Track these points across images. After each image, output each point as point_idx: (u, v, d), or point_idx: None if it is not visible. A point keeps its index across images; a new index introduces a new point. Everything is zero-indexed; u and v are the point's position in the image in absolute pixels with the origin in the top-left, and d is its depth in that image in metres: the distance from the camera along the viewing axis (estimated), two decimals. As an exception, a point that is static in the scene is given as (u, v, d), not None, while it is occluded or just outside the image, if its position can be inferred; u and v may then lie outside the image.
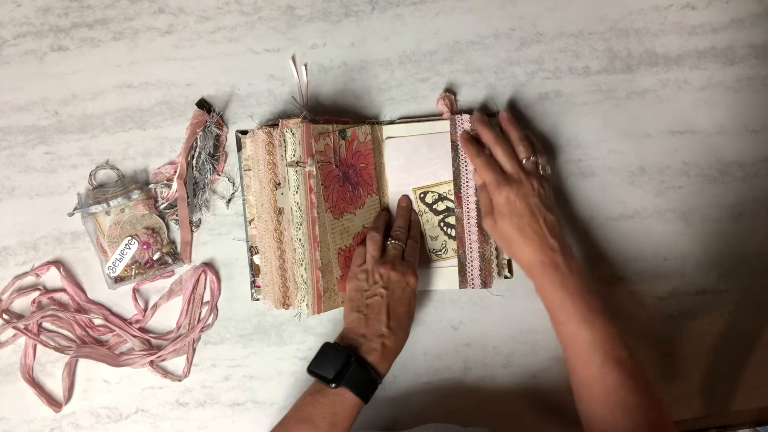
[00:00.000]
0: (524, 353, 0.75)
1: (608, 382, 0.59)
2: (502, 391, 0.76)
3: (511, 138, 0.69)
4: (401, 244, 0.70)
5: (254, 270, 0.74)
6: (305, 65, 0.75)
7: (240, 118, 0.75)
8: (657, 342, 0.76)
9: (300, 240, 0.67)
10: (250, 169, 0.72)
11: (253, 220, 0.73)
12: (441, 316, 0.76)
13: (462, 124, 0.72)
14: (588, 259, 0.76)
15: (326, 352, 0.64)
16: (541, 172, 0.69)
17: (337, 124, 0.71)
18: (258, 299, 0.75)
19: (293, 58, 0.75)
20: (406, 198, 0.74)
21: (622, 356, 0.60)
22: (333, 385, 0.61)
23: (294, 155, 0.66)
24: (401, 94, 0.75)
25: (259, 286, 0.74)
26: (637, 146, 0.75)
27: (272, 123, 0.73)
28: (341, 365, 0.62)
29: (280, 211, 0.69)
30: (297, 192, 0.67)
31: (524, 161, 0.67)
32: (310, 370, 0.63)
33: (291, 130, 0.66)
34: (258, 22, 0.75)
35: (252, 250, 0.74)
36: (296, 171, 0.66)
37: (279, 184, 0.69)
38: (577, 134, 0.75)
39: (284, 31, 0.75)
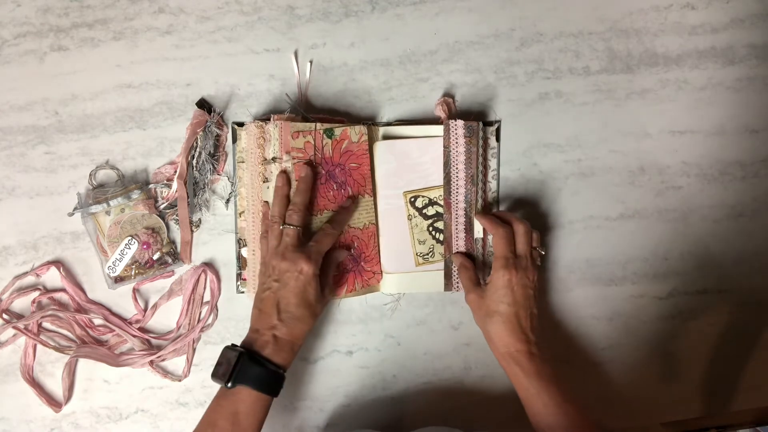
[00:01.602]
0: (524, 353, 0.75)
1: None
2: (502, 391, 0.76)
3: (524, 227, 0.70)
4: (294, 227, 0.66)
5: (241, 262, 0.74)
6: (310, 62, 0.75)
7: (240, 119, 0.75)
8: (657, 342, 0.76)
9: None
10: (243, 162, 0.73)
11: (243, 212, 0.74)
12: (441, 316, 0.76)
13: (456, 129, 0.71)
14: (588, 260, 0.76)
15: (223, 354, 0.64)
16: (539, 263, 0.70)
17: (322, 123, 0.71)
18: (243, 292, 0.75)
19: (295, 53, 0.75)
20: (305, 167, 0.69)
21: None
22: (228, 385, 0.61)
23: (273, 151, 0.68)
24: (401, 94, 0.75)
25: (245, 279, 0.74)
26: (637, 146, 0.75)
27: (266, 117, 0.73)
28: (233, 365, 0.62)
29: (267, 205, 0.70)
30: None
31: (534, 249, 0.69)
32: (211, 375, 0.63)
33: (275, 126, 0.68)
34: (258, 22, 0.75)
35: (240, 243, 0.74)
36: (276, 167, 0.68)
37: (267, 178, 0.70)
38: (577, 134, 0.75)
39: (284, 31, 0.75)
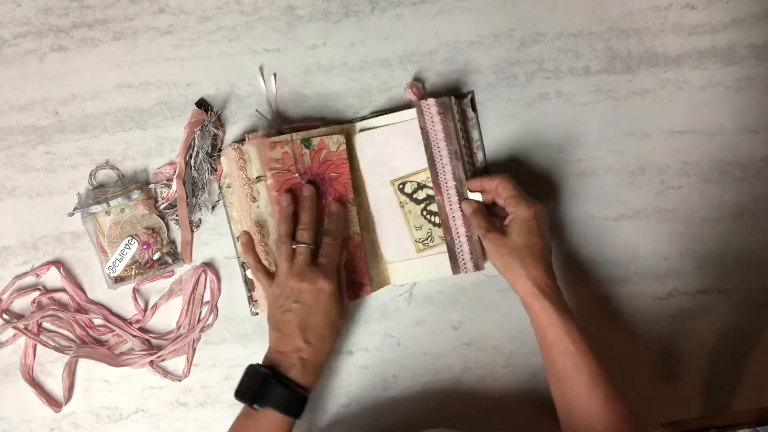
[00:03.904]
0: (524, 353, 0.75)
1: (611, 417, 0.61)
2: (502, 391, 0.76)
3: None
4: (307, 245, 0.66)
5: (249, 285, 0.74)
6: (274, 75, 0.75)
7: (240, 118, 0.75)
8: (657, 342, 0.76)
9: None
10: (230, 186, 0.73)
11: (239, 236, 0.73)
12: (441, 316, 0.76)
13: (429, 108, 0.70)
14: (588, 260, 0.76)
15: (248, 373, 0.64)
16: None
17: (298, 133, 0.70)
18: (257, 313, 0.74)
19: (261, 69, 0.74)
20: (308, 186, 0.69)
21: (618, 394, 0.62)
22: (256, 406, 0.62)
23: (256, 170, 0.67)
24: (401, 94, 0.75)
25: (256, 301, 0.74)
26: (637, 146, 0.75)
27: (243, 139, 0.73)
28: (260, 386, 0.62)
29: (261, 225, 0.69)
30: (268, 204, 0.68)
31: None
32: (235, 394, 0.63)
33: (252, 145, 0.67)
34: (258, 22, 0.75)
35: (244, 266, 0.74)
36: (262, 185, 0.67)
37: (255, 198, 0.69)
38: (577, 134, 0.75)
39: (284, 31, 0.75)
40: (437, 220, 0.73)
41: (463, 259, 0.72)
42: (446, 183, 0.71)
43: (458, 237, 0.72)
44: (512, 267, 0.65)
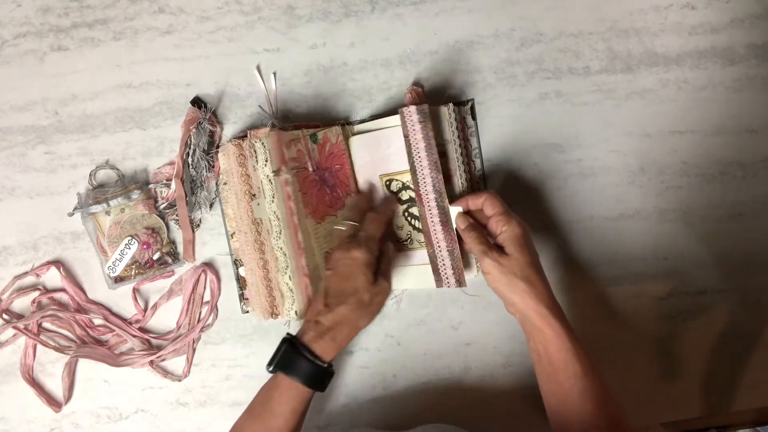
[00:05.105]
0: (524, 353, 0.75)
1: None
2: (502, 391, 0.76)
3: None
4: (351, 222, 0.68)
5: (241, 283, 0.74)
6: (274, 73, 0.75)
7: (240, 118, 0.75)
8: (657, 342, 0.76)
9: (281, 249, 0.67)
10: (226, 183, 0.72)
11: (234, 233, 0.73)
12: (441, 316, 0.76)
13: (410, 116, 0.68)
14: (588, 259, 0.76)
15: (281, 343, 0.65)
16: None
17: (307, 129, 0.70)
18: (247, 311, 0.74)
19: (258, 68, 0.74)
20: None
21: (621, 416, 0.61)
22: (269, 369, 0.62)
23: (267, 165, 0.66)
24: (401, 94, 0.75)
25: (247, 299, 0.74)
26: (637, 146, 0.75)
27: (242, 135, 0.73)
28: (284, 354, 0.62)
29: (258, 222, 0.69)
30: (273, 201, 0.66)
31: None
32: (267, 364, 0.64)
33: (260, 141, 0.66)
34: (258, 22, 0.75)
35: (237, 263, 0.74)
36: (271, 180, 0.66)
37: (254, 195, 0.69)
38: (577, 134, 0.75)
39: (284, 31, 0.75)
40: (417, 224, 0.72)
41: (445, 274, 0.70)
42: (427, 195, 0.69)
43: (440, 251, 0.70)
44: (518, 287, 0.62)
